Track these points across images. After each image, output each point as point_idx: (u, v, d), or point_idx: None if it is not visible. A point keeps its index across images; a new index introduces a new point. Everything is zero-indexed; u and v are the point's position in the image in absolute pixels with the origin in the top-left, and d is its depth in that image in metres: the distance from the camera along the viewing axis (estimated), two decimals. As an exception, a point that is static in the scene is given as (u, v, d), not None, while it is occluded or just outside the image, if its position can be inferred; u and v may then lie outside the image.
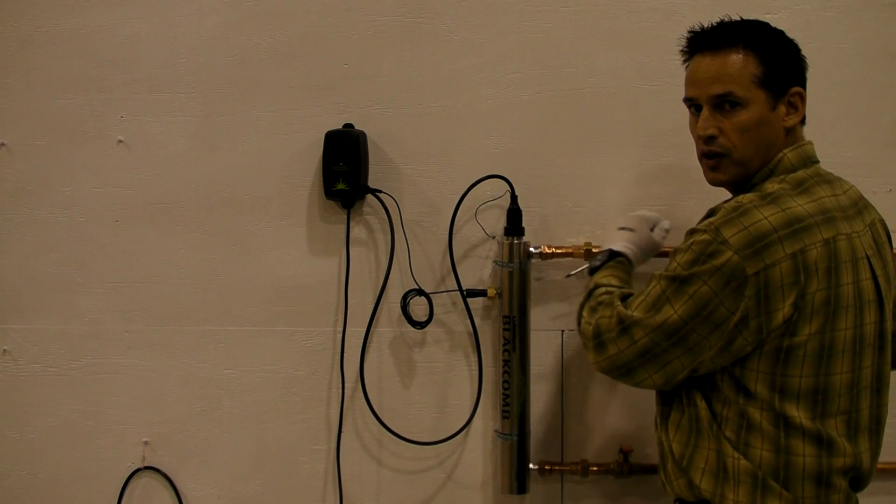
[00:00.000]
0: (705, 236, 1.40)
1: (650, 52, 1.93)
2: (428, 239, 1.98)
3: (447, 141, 1.97)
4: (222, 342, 2.02)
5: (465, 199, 1.92)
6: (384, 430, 1.98)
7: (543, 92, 1.95)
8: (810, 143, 1.52)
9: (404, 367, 2.00)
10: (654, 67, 1.92)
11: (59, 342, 2.05)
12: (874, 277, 1.45)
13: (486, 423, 1.99)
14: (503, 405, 1.91)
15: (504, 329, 1.90)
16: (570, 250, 1.91)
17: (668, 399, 1.52)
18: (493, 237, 1.96)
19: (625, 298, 1.52)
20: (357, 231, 2.00)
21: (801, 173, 1.47)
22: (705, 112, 1.48)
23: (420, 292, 1.95)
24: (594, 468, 1.93)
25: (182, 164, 2.01)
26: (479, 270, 1.98)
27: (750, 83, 1.45)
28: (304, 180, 2.00)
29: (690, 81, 1.52)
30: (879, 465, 1.86)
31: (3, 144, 2.04)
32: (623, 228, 1.77)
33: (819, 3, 1.90)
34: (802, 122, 1.52)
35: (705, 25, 1.52)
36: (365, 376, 1.98)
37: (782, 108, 1.47)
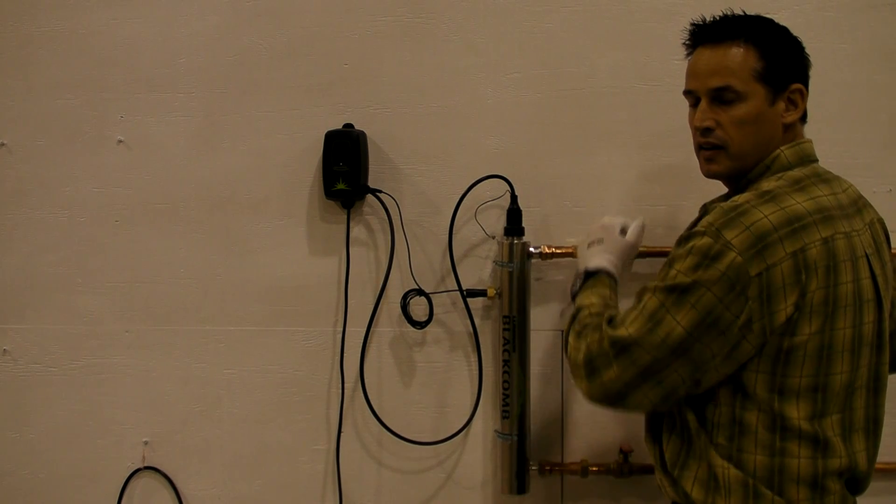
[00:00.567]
0: (706, 239, 1.37)
1: (650, 52, 1.93)
2: (428, 239, 1.98)
3: (447, 141, 1.97)
4: (222, 342, 2.02)
5: (465, 199, 1.92)
6: (384, 430, 1.98)
7: (543, 92, 1.95)
8: (809, 141, 1.52)
9: (404, 367, 2.00)
10: (654, 67, 1.92)
11: (59, 342, 2.05)
12: (873, 276, 1.45)
13: (486, 423, 1.99)
14: (503, 405, 1.91)
15: (504, 329, 1.90)
16: (570, 250, 1.91)
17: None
18: (493, 237, 1.96)
19: (611, 320, 1.45)
20: (357, 231, 2.00)
21: (798, 171, 1.46)
22: (703, 104, 1.48)
23: (420, 292, 1.95)
24: (594, 468, 1.93)
25: (182, 164, 2.01)
26: (479, 270, 1.98)
27: (749, 77, 1.45)
28: (304, 180, 2.00)
29: (690, 74, 1.52)
30: (879, 466, 1.86)
31: (3, 144, 2.04)
32: (592, 244, 1.69)
33: (819, 3, 1.90)
34: (803, 119, 1.52)
35: (708, 19, 1.52)
36: (365, 376, 1.98)
37: (781, 104, 1.47)
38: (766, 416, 1.40)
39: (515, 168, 1.93)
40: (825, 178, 1.48)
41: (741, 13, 1.52)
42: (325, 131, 1.95)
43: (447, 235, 1.94)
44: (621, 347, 1.39)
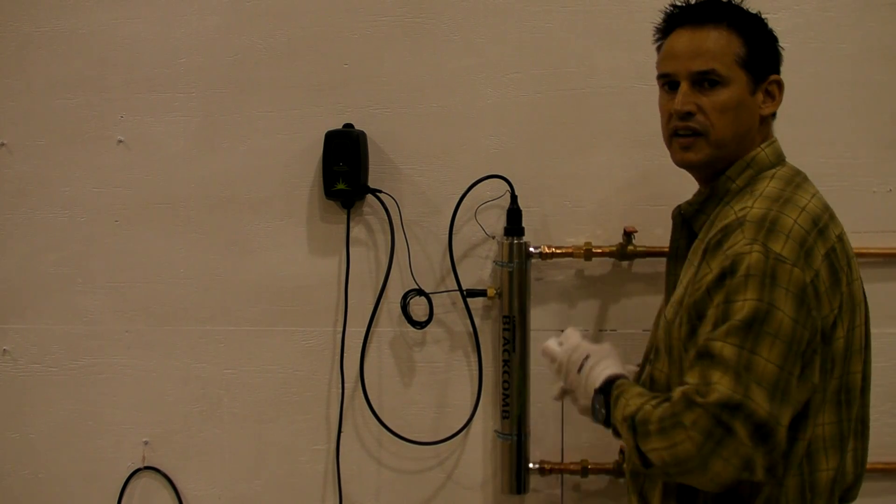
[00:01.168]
0: (756, 257, 1.26)
1: (650, 52, 1.91)
2: (428, 239, 1.98)
3: (447, 141, 1.97)
4: (222, 342, 2.02)
5: (465, 199, 1.92)
6: (384, 430, 1.98)
7: (543, 92, 1.95)
8: (776, 139, 1.49)
9: (404, 367, 2.00)
10: (653, 67, 1.92)
11: (59, 342, 2.05)
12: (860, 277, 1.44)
13: (486, 423, 1.99)
14: (503, 405, 1.91)
15: (504, 329, 1.90)
16: (570, 250, 1.91)
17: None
18: (493, 237, 1.96)
19: (689, 397, 1.22)
20: (357, 231, 2.00)
21: (782, 170, 1.43)
22: (685, 87, 1.41)
23: (420, 292, 1.95)
24: (594, 468, 1.93)
25: (182, 164, 2.01)
26: (479, 270, 1.98)
27: (732, 62, 1.40)
28: (304, 180, 2.00)
29: (668, 56, 1.45)
30: (879, 465, 1.86)
31: (3, 144, 2.04)
32: (580, 368, 1.45)
33: (819, 3, 1.90)
34: (773, 115, 1.48)
35: (681, 2, 1.48)
36: (365, 376, 1.98)
37: (759, 95, 1.44)
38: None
39: (515, 168, 1.93)
40: (805, 176, 1.45)
41: None
42: (325, 131, 1.95)
43: (447, 235, 1.94)
44: (733, 407, 1.19)
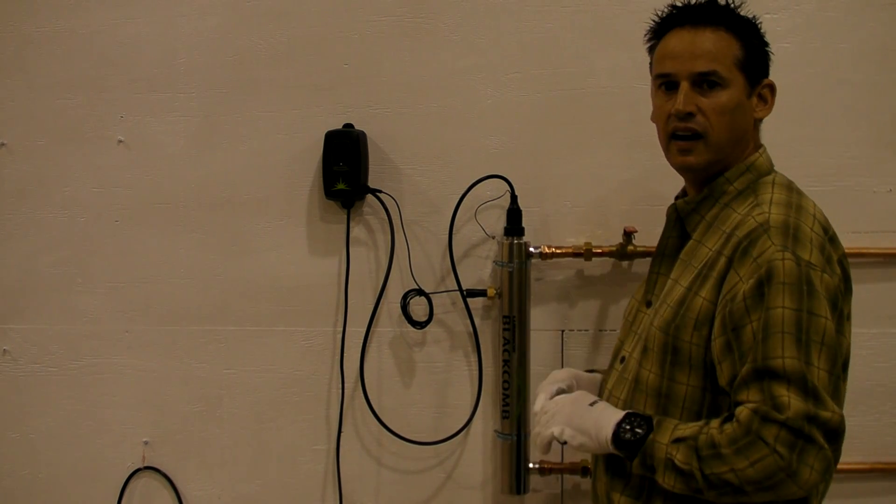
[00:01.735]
0: (790, 263, 1.28)
1: (650, 52, 1.93)
2: (428, 239, 1.98)
3: (447, 141, 1.97)
4: (222, 342, 2.02)
5: (465, 199, 1.92)
6: (384, 430, 1.98)
7: (543, 92, 1.95)
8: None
9: (404, 367, 2.00)
10: (654, 67, 1.92)
11: (59, 342, 2.05)
12: None
13: (486, 423, 1.99)
14: (503, 405, 1.91)
15: (504, 329, 1.90)
16: (570, 250, 1.91)
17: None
18: (493, 237, 1.96)
19: (763, 413, 1.24)
20: (357, 231, 2.00)
21: (781, 177, 1.45)
22: (685, 88, 1.42)
23: (420, 292, 1.95)
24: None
25: (182, 164, 2.01)
26: (479, 270, 1.98)
27: (732, 64, 1.41)
28: (304, 180, 2.00)
29: (667, 56, 1.45)
30: (879, 466, 1.87)
31: (3, 144, 2.04)
32: (593, 404, 1.43)
33: (819, 3, 1.90)
34: (761, 121, 1.49)
35: (680, 3, 1.49)
36: (365, 376, 1.98)
37: (754, 99, 1.45)
38: None
39: (515, 168, 1.93)
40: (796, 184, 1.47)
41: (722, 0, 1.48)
42: (325, 131, 1.95)
43: (447, 235, 1.94)
44: (811, 418, 1.23)
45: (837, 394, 1.29)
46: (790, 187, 1.43)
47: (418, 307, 1.96)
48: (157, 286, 2.03)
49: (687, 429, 1.31)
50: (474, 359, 1.98)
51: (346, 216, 1.98)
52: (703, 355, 1.35)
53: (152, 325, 2.03)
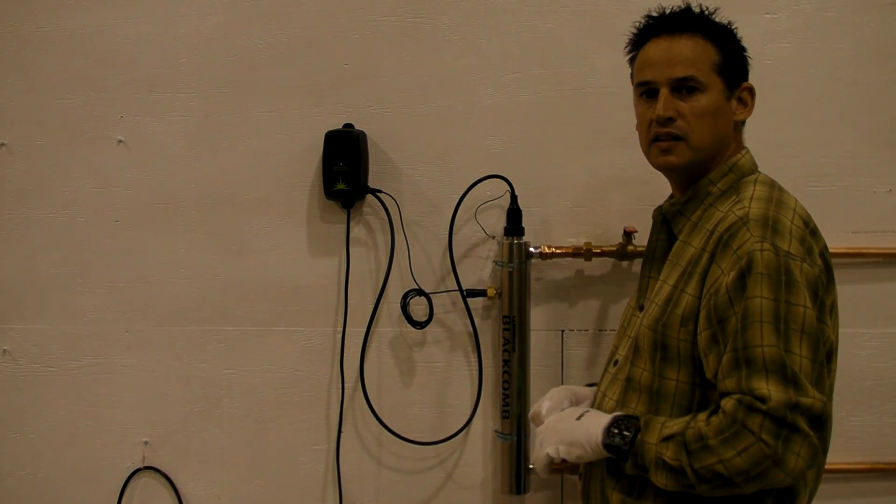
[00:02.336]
0: (768, 254, 1.30)
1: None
2: (428, 239, 1.98)
3: (447, 141, 1.97)
4: (222, 342, 2.02)
5: (465, 199, 1.92)
6: (384, 430, 1.98)
7: (543, 92, 1.95)
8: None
9: (404, 367, 2.00)
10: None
11: (59, 342, 2.05)
12: None
13: (486, 423, 1.99)
14: (503, 405, 1.91)
15: (504, 329, 1.90)
16: (569, 250, 1.91)
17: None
18: (493, 237, 1.96)
19: (747, 403, 1.26)
20: (357, 231, 2.00)
21: (764, 176, 1.47)
22: (665, 94, 1.44)
23: (420, 292, 1.95)
24: (594, 468, 1.93)
25: (182, 164, 2.01)
26: (479, 270, 1.98)
27: (709, 69, 1.44)
28: (304, 180, 2.00)
29: (646, 64, 1.48)
30: (879, 466, 1.87)
31: (3, 144, 2.04)
32: (580, 417, 1.46)
33: (819, 3, 1.90)
34: (743, 123, 1.52)
35: (656, 14, 1.51)
36: (365, 376, 1.98)
37: (734, 102, 1.48)
38: None
39: (515, 168, 1.93)
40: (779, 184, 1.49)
41: (697, 8, 1.51)
42: (325, 131, 1.95)
43: (447, 235, 1.94)
44: (793, 406, 1.24)
45: (822, 381, 1.29)
46: (772, 185, 1.45)
47: (418, 307, 1.96)
48: (157, 286, 2.03)
49: (675, 425, 1.33)
50: (474, 359, 1.98)
51: (346, 216, 1.98)
52: (690, 350, 1.37)
53: (152, 325, 2.03)
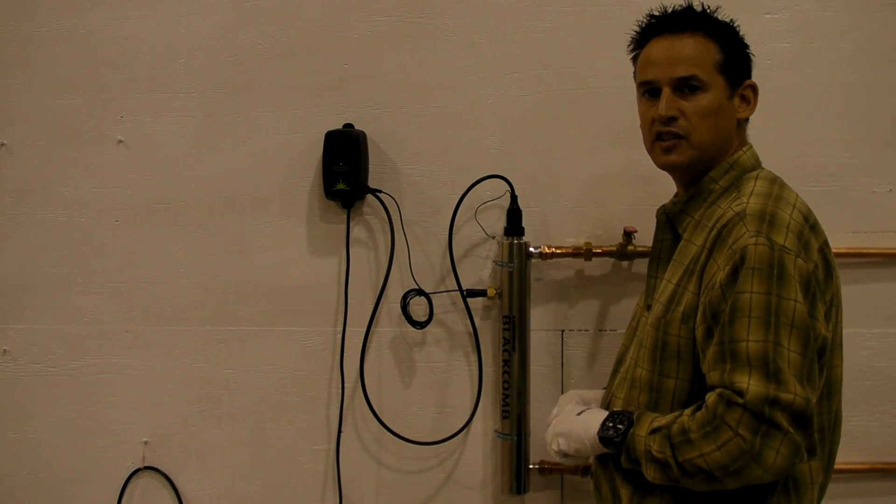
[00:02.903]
0: (762, 248, 1.30)
1: (650, 52, 1.93)
2: (428, 239, 1.98)
3: (447, 141, 1.97)
4: (222, 342, 2.03)
5: (465, 199, 1.92)
6: (384, 430, 1.98)
7: (543, 92, 1.95)
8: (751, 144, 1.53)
9: (404, 367, 2.00)
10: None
11: (59, 342, 2.05)
12: None
13: (486, 423, 1.99)
14: (503, 405, 1.91)
15: (504, 329, 1.90)
16: (570, 250, 1.91)
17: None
18: (493, 237, 1.96)
19: (727, 399, 1.26)
20: (357, 231, 2.00)
21: (766, 172, 1.47)
22: (667, 93, 1.45)
23: (420, 292, 1.95)
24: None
25: (182, 164, 2.01)
26: (479, 270, 1.98)
27: (711, 68, 1.44)
28: (304, 180, 2.00)
29: (649, 64, 1.49)
30: (879, 466, 1.87)
31: (3, 144, 2.04)
32: (580, 413, 1.50)
33: (819, 3, 1.90)
34: (747, 120, 1.52)
35: (658, 13, 1.52)
36: (365, 376, 1.98)
37: (736, 100, 1.48)
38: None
39: (515, 168, 1.93)
40: (782, 179, 1.49)
41: (699, 6, 1.52)
42: (325, 131, 1.95)
43: (447, 235, 1.94)
44: (771, 401, 1.24)
45: (812, 377, 1.28)
46: (773, 181, 1.45)
47: (418, 307, 1.96)
48: (157, 286, 2.03)
49: (663, 419, 1.35)
50: (474, 359, 1.98)
51: (346, 216, 1.98)
52: (691, 348, 1.38)
53: (152, 325, 2.03)
